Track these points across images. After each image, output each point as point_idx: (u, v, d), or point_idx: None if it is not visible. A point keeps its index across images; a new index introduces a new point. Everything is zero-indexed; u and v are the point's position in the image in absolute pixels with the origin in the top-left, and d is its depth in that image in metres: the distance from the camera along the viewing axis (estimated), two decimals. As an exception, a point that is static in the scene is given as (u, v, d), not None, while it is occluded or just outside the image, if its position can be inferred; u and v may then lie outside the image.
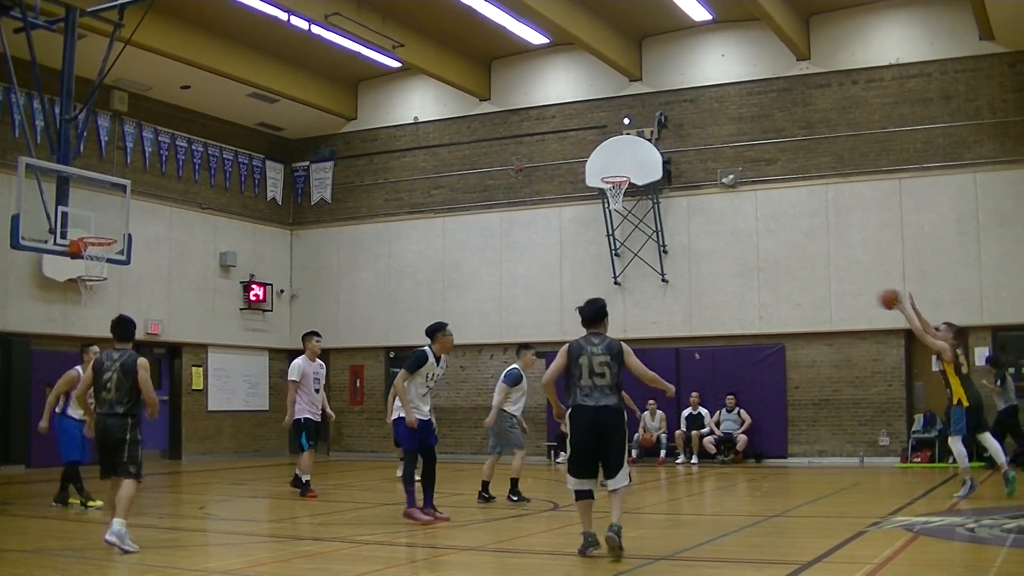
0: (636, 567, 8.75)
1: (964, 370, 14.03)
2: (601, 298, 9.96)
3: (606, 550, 9.03)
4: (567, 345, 9.57)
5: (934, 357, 18.96)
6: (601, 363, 9.32)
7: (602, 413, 9.21)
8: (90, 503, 13.52)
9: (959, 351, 14.22)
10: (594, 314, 9.70)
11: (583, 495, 9.39)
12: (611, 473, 9.23)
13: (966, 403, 13.78)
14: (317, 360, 15.45)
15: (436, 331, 12.56)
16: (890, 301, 13.85)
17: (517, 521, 12.46)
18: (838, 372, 21.35)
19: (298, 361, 15.12)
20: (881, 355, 21.05)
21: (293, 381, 14.99)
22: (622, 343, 9.58)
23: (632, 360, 9.51)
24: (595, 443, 9.23)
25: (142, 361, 10.21)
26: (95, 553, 9.93)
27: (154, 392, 10.34)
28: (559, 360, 9.55)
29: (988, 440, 14.25)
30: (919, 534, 10.20)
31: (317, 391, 15.20)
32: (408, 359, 12.35)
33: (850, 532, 10.35)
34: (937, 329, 14.28)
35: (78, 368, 13.86)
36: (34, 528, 11.99)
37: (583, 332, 9.70)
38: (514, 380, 14.27)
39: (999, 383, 18.79)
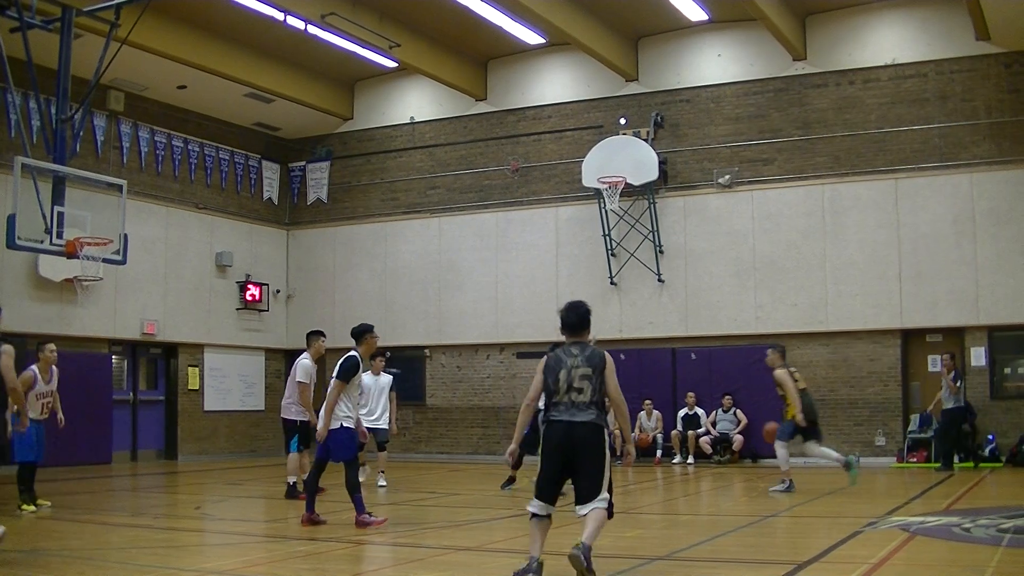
0: (633, 567, 8.75)
1: (801, 385, 15.19)
2: (584, 302, 8.86)
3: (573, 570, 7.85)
4: (543, 359, 8.44)
5: (939, 359, 19.37)
6: (581, 376, 8.14)
7: (576, 430, 7.96)
8: (37, 502, 13.41)
9: (792, 369, 15.37)
10: (578, 321, 8.65)
11: (538, 516, 8.05)
12: (582, 498, 7.94)
13: (800, 418, 15.07)
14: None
15: (364, 332, 12.40)
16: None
17: (513, 521, 12.46)
18: (834, 372, 21.36)
19: (306, 361, 14.78)
20: (877, 355, 21.06)
21: (302, 383, 14.63)
22: (607, 355, 8.39)
23: (611, 379, 8.22)
24: (564, 463, 7.99)
25: (7, 348, 10.03)
26: (92, 553, 9.94)
27: (16, 380, 10.04)
28: (537, 377, 8.36)
29: (816, 449, 15.46)
30: (915, 534, 10.21)
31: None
32: (339, 368, 11.84)
33: (846, 532, 10.36)
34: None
35: (34, 368, 13.74)
36: (29, 529, 11.97)
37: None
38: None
39: (958, 383, 18.92)
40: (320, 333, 15.38)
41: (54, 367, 13.98)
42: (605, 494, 7.91)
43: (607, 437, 8.08)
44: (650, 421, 22.05)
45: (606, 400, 8.21)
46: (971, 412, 19.92)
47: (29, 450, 13.37)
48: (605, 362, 8.27)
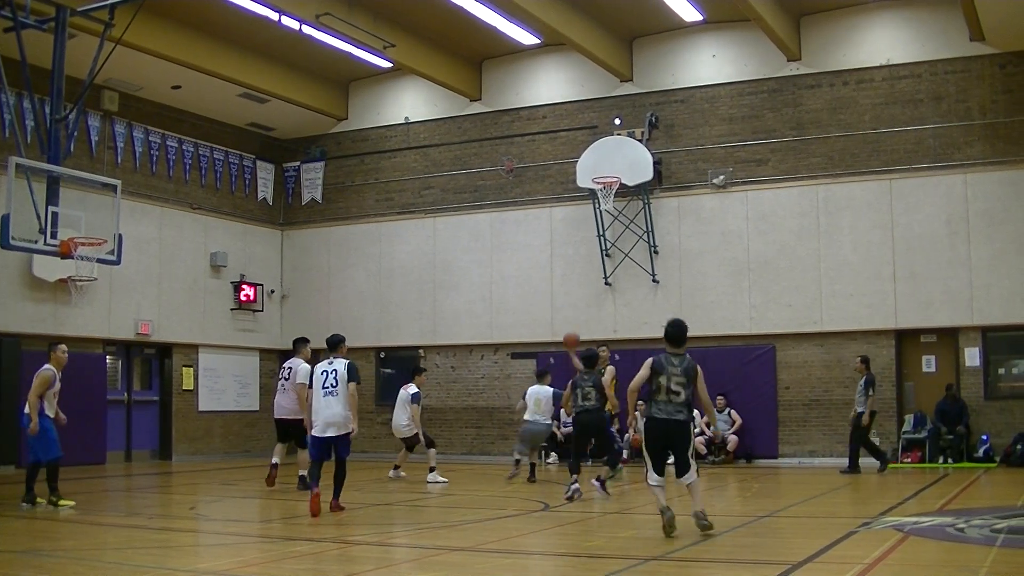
0: (627, 567, 8.76)
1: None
2: (683, 320, 10.96)
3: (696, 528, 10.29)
4: (650, 360, 10.72)
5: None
6: (678, 383, 10.48)
7: (671, 425, 10.51)
8: (62, 502, 13.52)
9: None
10: (678, 335, 10.73)
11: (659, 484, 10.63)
12: (680, 472, 10.65)
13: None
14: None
15: (341, 342, 13.51)
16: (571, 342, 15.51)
17: (509, 521, 12.47)
18: (828, 372, 21.39)
19: (305, 365, 15.49)
20: (871, 356, 21.02)
21: (303, 384, 14.93)
22: (698, 367, 10.63)
23: (701, 384, 10.67)
24: (665, 447, 10.67)
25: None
26: (87, 554, 9.93)
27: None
28: (643, 371, 10.80)
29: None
30: (909, 534, 10.22)
31: None
32: (355, 371, 13.04)
33: (840, 532, 10.38)
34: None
35: (50, 367, 13.82)
36: (25, 529, 11.96)
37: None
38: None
39: (869, 389, 18.87)
40: (307, 340, 16.58)
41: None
42: (694, 464, 10.67)
43: (693, 427, 10.76)
44: (644, 422, 22.01)
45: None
46: (965, 412, 20.01)
47: (52, 446, 13.52)
48: (697, 372, 10.62)
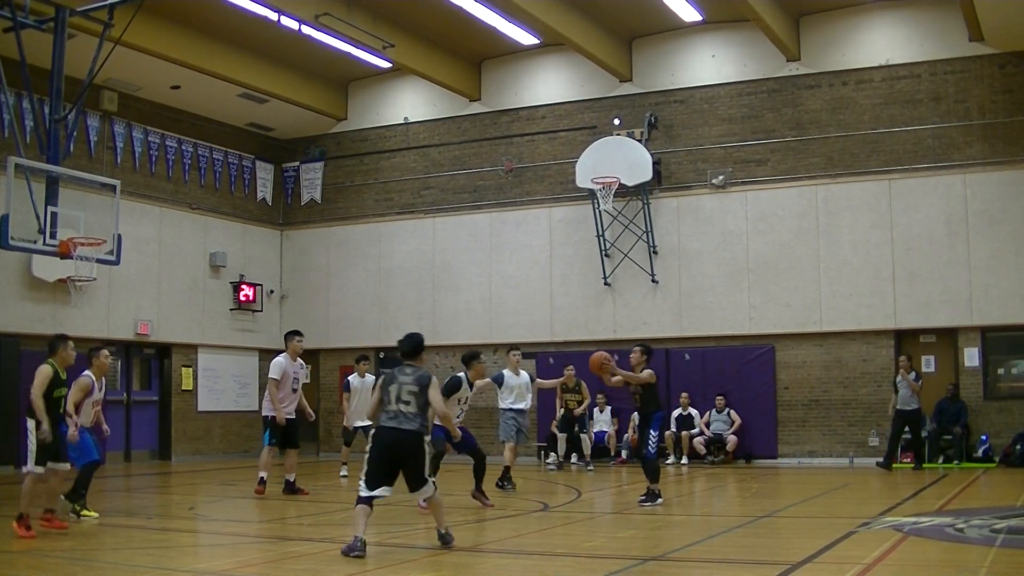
0: (626, 568, 8.76)
1: (653, 380, 13.85)
2: (419, 334, 10.37)
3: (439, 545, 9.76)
4: (382, 377, 10.09)
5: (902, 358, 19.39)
6: (409, 392, 9.74)
7: (401, 435, 9.63)
8: (84, 513, 13.10)
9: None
10: (410, 349, 10.15)
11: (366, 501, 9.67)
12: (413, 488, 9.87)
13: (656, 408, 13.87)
14: (298, 360, 15.66)
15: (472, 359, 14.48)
16: (596, 367, 13.64)
17: (507, 521, 12.47)
18: (828, 373, 21.39)
19: (280, 359, 15.59)
20: (871, 356, 21.10)
21: (273, 379, 15.36)
22: (432, 377, 9.98)
23: (435, 394, 9.87)
24: (393, 461, 9.69)
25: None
26: (86, 554, 9.93)
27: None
28: (376, 393, 10.07)
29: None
30: (908, 534, 10.22)
31: (295, 390, 15.53)
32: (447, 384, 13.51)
33: (840, 532, 10.38)
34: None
35: (89, 373, 13.28)
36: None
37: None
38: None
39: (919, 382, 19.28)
40: (296, 333, 15.96)
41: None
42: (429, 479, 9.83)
43: (427, 440, 9.83)
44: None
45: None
46: (964, 412, 20.03)
47: (91, 450, 13.13)
48: (430, 382, 9.88)
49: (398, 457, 9.66)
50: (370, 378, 18.48)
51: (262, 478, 15.45)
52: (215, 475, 20.27)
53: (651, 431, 13.62)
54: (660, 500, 13.54)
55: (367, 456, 9.71)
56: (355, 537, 9.31)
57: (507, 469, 15.71)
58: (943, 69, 20.98)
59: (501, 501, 14.36)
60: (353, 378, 18.62)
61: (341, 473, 18.42)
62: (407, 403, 9.74)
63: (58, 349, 11.62)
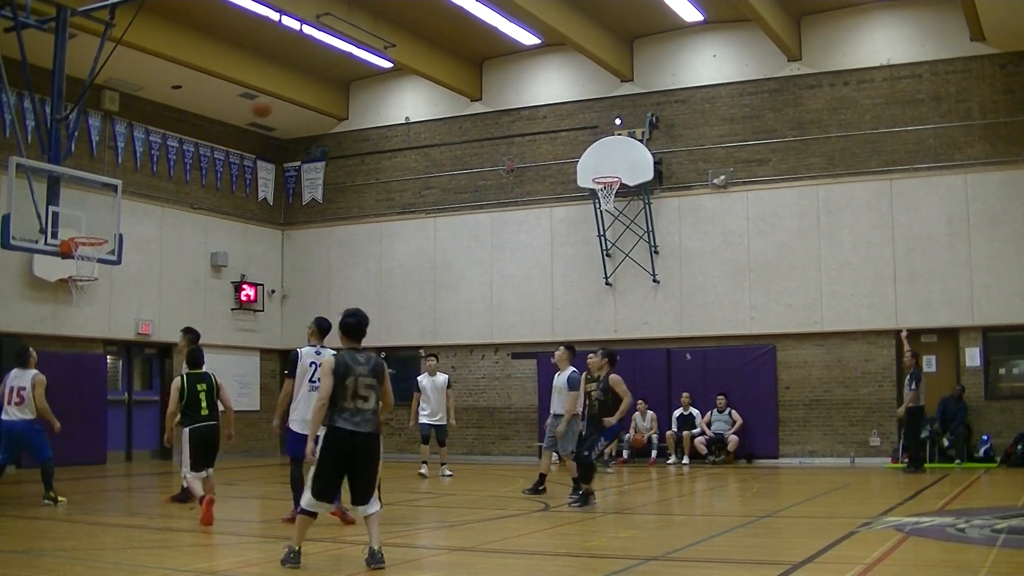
0: (627, 567, 8.76)
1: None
2: (362, 310, 9.12)
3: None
4: (331, 360, 8.70)
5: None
6: (367, 386, 8.62)
7: (358, 439, 8.53)
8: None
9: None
10: (359, 326, 8.96)
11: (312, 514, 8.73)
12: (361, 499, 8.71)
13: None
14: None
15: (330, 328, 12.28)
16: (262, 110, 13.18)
17: (509, 521, 12.46)
18: (829, 373, 21.39)
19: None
20: (872, 356, 21.09)
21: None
22: (384, 363, 8.98)
23: (388, 384, 8.91)
24: (345, 468, 8.58)
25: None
26: (86, 554, 9.92)
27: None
28: (325, 381, 8.60)
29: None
30: (910, 534, 10.22)
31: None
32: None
33: (841, 532, 10.37)
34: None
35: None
36: (24, 528, 11.95)
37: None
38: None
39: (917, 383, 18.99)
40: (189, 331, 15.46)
41: None
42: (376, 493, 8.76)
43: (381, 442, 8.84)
44: (645, 421, 22.05)
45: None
46: (963, 412, 20.02)
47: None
48: (384, 370, 8.87)
49: (351, 464, 8.58)
50: (441, 377, 18.88)
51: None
52: (216, 475, 20.18)
53: (603, 438, 13.56)
54: (594, 503, 13.35)
55: (317, 460, 8.55)
56: (290, 548, 8.66)
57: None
58: (944, 69, 20.97)
59: (502, 501, 14.35)
60: (423, 377, 18.91)
61: (421, 471, 18.68)
62: (365, 399, 8.60)
63: None
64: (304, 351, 12.01)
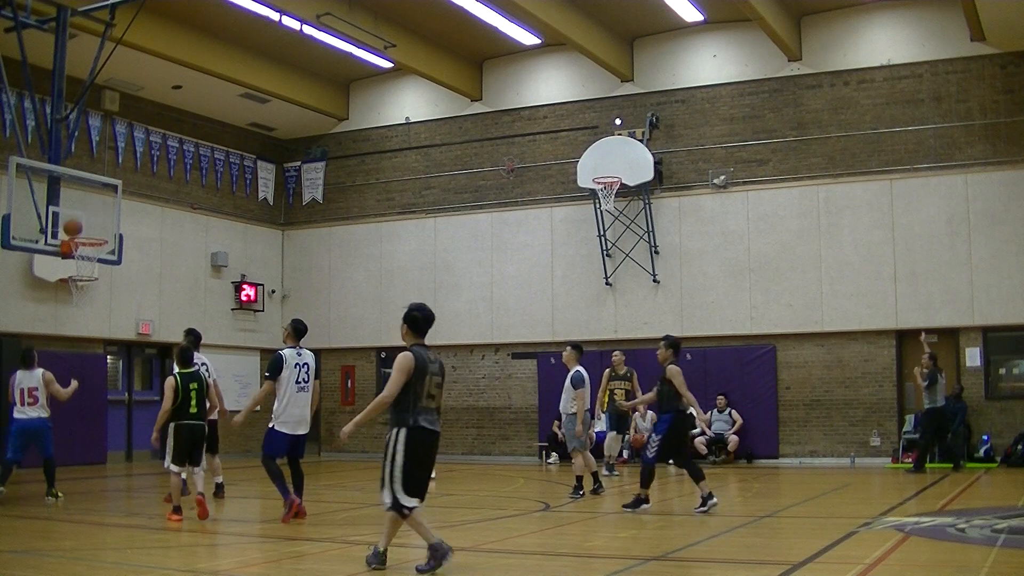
0: (627, 568, 8.75)
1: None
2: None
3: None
4: (409, 355, 8.66)
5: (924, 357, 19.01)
6: (437, 385, 8.70)
7: (436, 439, 8.62)
8: None
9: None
10: (429, 322, 9.29)
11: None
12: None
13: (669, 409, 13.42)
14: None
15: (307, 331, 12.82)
16: None
17: (509, 521, 12.46)
18: (829, 373, 21.39)
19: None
20: (872, 356, 21.09)
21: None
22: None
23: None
24: (429, 470, 8.65)
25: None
26: (85, 554, 9.92)
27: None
28: (397, 376, 8.49)
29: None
30: (910, 534, 10.22)
31: None
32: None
33: (841, 532, 10.37)
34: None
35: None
36: (24, 528, 11.95)
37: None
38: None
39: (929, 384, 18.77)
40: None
41: None
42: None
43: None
44: (645, 422, 22.02)
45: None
46: (963, 412, 20.01)
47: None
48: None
49: (430, 466, 8.63)
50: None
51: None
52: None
53: (654, 434, 13.17)
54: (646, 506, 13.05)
55: (404, 460, 8.33)
56: (376, 549, 8.65)
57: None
58: (944, 69, 20.98)
59: (502, 501, 14.35)
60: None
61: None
62: (433, 397, 8.59)
63: None
64: (287, 353, 12.17)
